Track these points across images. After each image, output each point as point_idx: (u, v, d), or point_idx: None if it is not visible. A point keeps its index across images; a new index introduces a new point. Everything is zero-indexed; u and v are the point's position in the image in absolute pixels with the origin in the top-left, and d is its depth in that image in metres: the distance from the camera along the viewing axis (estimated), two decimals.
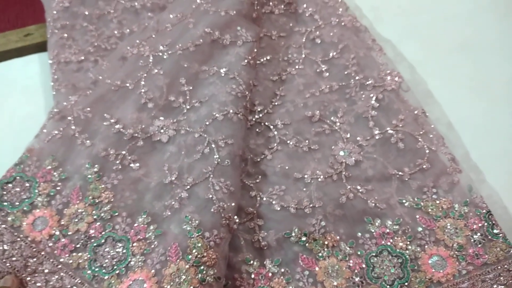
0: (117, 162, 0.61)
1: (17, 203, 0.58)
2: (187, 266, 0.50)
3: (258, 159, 0.63)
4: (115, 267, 0.53)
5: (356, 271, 0.54)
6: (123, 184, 0.59)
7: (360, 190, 0.59)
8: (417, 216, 0.57)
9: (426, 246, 0.55)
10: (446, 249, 0.55)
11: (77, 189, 0.59)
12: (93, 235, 0.56)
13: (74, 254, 0.55)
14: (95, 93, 0.66)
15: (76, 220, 0.57)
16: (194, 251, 0.51)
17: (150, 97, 0.65)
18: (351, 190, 0.60)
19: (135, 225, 0.56)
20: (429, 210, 0.58)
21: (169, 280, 0.49)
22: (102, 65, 0.71)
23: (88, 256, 0.54)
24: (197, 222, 0.53)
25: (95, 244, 0.55)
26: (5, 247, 0.54)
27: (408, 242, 0.56)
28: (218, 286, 0.50)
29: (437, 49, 0.76)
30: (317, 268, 0.55)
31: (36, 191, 0.58)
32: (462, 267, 0.53)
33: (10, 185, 0.59)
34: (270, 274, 0.55)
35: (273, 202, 0.59)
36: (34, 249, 0.55)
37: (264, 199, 0.60)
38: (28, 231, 0.56)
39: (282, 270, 0.55)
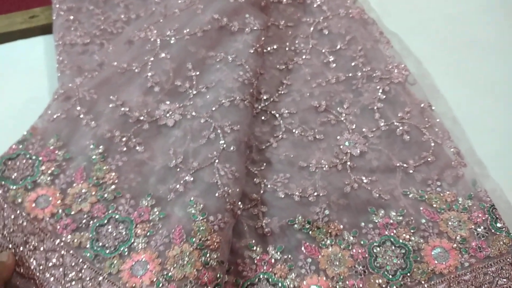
0: (122, 144, 0.60)
1: (19, 180, 0.57)
2: (191, 249, 0.49)
3: (263, 147, 0.63)
4: (117, 247, 0.53)
5: (358, 260, 0.54)
6: (128, 166, 0.59)
7: (365, 181, 0.59)
8: (421, 208, 0.57)
9: (429, 238, 0.55)
10: (449, 241, 0.55)
11: (81, 169, 0.58)
12: (95, 215, 0.55)
13: (76, 233, 0.54)
14: (101, 75, 0.66)
15: (80, 200, 0.56)
16: (198, 234, 0.50)
17: (157, 81, 0.65)
18: (356, 180, 0.59)
19: (139, 207, 0.56)
20: (433, 202, 0.58)
21: (173, 262, 0.49)
22: (108, 48, 0.71)
23: (90, 235, 0.54)
24: (201, 205, 0.53)
25: (97, 224, 0.55)
26: (6, 222, 0.53)
27: (411, 233, 0.56)
28: (221, 270, 0.50)
29: (444, 46, 0.76)
30: (319, 256, 0.55)
31: (40, 169, 0.58)
32: (465, 259, 0.53)
33: (12, 161, 0.58)
34: (272, 261, 0.54)
35: (277, 190, 0.59)
36: (35, 227, 0.54)
37: (269, 186, 0.59)
38: (29, 208, 0.56)
39: (285, 257, 0.55)
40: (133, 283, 0.49)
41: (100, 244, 0.53)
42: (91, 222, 0.55)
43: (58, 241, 0.54)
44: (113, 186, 0.57)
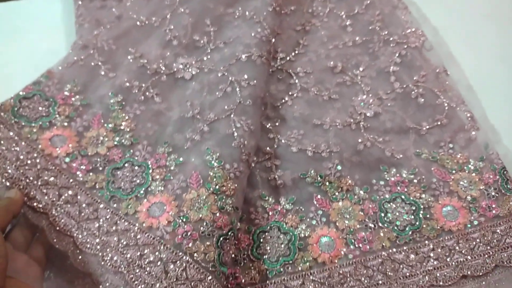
0: (140, 93, 0.61)
1: (34, 118, 0.57)
2: (207, 193, 0.50)
3: (278, 104, 0.63)
4: (134, 189, 0.54)
5: (369, 214, 0.55)
6: (145, 115, 0.60)
7: (378, 140, 0.60)
8: (433, 168, 0.58)
9: (439, 197, 0.56)
10: (459, 200, 0.55)
11: (98, 115, 0.59)
12: (112, 158, 0.56)
13: (91, 174, 0.55)
14: (119, 27, 0.66)
15: (96, 142, 0.57)
16: (214, 179, 0.51)
17: (175, 35, 0.66)
18: (369, 139, 0.60)
19: (156, 153, 0.56)
20: (445, 163, 0.58)
21: (189, 205, 0.50)
22: (127, 2, 0.71)
23: (106, 178, 0.55)
24: (217, 154, 0.53)
25: (113, 167, 0.55)
26: (19, 155, 0.53)
27: (422, 191, 0.56)
28: (236, 215, 0.51)
29: (462, 15, 0.76)
30: (330, 209, 0.55)
31: (56, 111, 0.58)
32: (474, 218, 0.54)
33: (27, 101, 0.58)
34: (284, 211, 0.55)
35: (291, 145, 0.60)
36: (49, 162, 0.54)
37: (283, 141, 0.60)
38: (44, 145, 0.55)
39: (296, 208, 0.56)
40: (150, 223, 0.50)
41: (116, 186, 0.54)
42: (107, 165, 0.56)
43: (72, 180, 0.54)
44: (130, 133, 0.58)
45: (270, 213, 0.55)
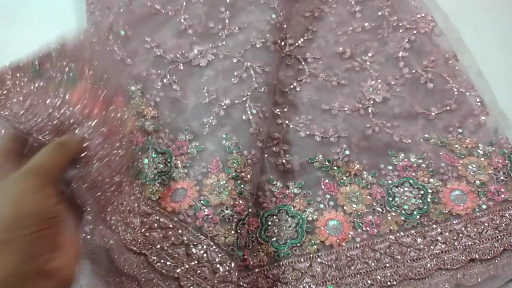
0: (158, 80, 0.62)
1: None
2: (227, 178, 0.51)
3: (287, 90, 0.64)
4: (156, 177, 0.54)
5: (377, 199, 0.55)
6: (164, 102, 0.60)
7: (386, 125, 0.60)
8: (441, 153, 0.58)
9: (447, 181, 0.56)
10: (468, 184, 0.55)
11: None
12: (135, 142, 0.56)
13: None
14: (134, 12, 0.67)
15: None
16: (234, 165, 0.52)
17: (190, 24, 0.66)
18: (377, 124, 0.60)
19: (177, 141, 0.57)
20: (454, 148, 0.58)
21: (210, 189, 0.51)
22: None
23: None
24: (235, 140, 0.54)
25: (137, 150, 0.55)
26: None
27: (430, 176, 0.56)
28: (251, 201, 0.52)
29: (473, 2, 0.75)
30: (338, 193, 0.56)
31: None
32: (483, 202, 0.54)
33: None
34: (292, 195, 0.56)
35: (299, 130, 0.60)
36: None
37: (291, 126, 0.60)
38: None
39: (304, 192, 0.56)
40: (173, 207, 0.51)
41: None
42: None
43: None
44: (152, 120, 0.58)
45: (278, 197, 0.55)
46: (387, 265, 0.51)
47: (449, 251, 0.51)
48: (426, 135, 0.59)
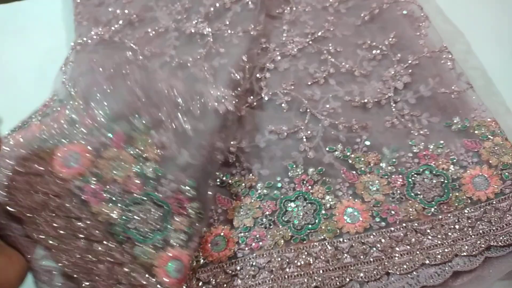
0: None
1: None
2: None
3: (309, 83, 0.65)
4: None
5: (396, 187, 0.56)
6: None
7: (406, 117, 0.61)
8: (462, 139, 0.58)
9: (468, 167, 0.56)
10: (490, 168, 0.55)
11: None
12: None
13: None
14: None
15: None
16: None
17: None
18: (398, 115, 0.61)
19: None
20: (476, 130, 0.58)
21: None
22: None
23: None
24: None
25: None
26: None
27: (451, 163, 0.56)
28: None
29: None
30: (357, 182, 0.57)
31: None
32: (506, 185, 0.53)
33: None
34: (312, 181, 0.57)
35: (321, 119, 0.61)
36: None
37: (314, 115, 0.62)
38: None
39: (324, 179, 0.57)
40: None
41: None
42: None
43: None
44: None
45: (297, 183, 0.57)
46: (404, 252, 0.51)
47: (465, 238, 0.51)
48: (447, 121, 0.59)
